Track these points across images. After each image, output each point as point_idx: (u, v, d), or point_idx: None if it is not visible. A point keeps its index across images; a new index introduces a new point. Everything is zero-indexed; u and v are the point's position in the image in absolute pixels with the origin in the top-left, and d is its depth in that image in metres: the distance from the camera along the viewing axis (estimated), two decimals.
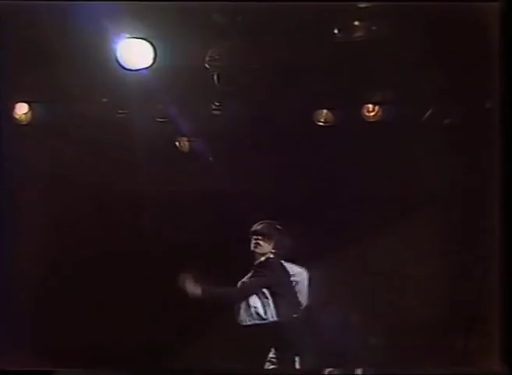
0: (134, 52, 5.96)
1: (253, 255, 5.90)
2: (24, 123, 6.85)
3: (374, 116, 6.90)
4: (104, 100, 6.73)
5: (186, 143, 7.39)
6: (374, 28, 5.91)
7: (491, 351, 5.25)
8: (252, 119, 6.79)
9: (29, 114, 6.85)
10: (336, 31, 5.93)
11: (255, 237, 5.88)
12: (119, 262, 7.04)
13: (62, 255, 7.01)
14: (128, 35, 5.91)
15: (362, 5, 5.72)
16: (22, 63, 5.93)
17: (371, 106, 6.87)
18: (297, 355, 5.60)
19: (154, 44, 5.93)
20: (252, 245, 5.87)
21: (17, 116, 6.83)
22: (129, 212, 7.20)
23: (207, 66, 6.28)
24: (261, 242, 5.85)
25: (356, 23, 5.93)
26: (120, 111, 6.84)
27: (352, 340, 5.70)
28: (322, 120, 7.04)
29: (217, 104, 6.81)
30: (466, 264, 6.83)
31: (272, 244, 5.87)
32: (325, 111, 7.01)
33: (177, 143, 7.38)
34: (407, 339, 6.58)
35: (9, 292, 6.07)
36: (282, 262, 5.85)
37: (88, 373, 5.94)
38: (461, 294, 6.80)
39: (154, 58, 5.97)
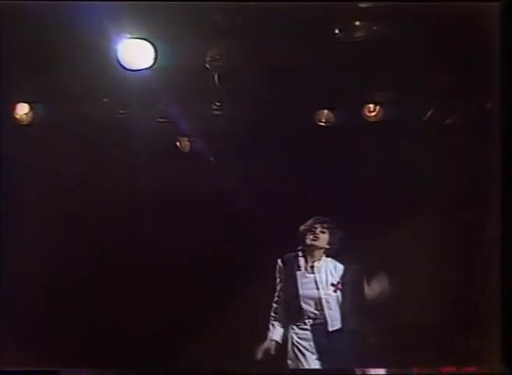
0: (135, 52, 5.96)
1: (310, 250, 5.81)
2: (25, 123, 6.86)
3: (375, 116, 6.90)
4: (105, 100, 6.74)
5: (187, 143, 7.40)
6: (375, 28, 5.90)
7: (491, 351, 5.24)
8: (253, 119, 6.79)
9: (29, 114, 6.86)
10: (336, 31, 5.93)
11: (314, 230, 5.77)
12: (119, 261, 7.05)
13: (62, 254, 7.02)
14: (129, 35, 5.91)
15: (363, 5, 5.72)
16: (22, 63, 5.94)
17: (372, 106, 6.87)
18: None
19: (155, 45, 5.93)
20: (310, 238, 5.76)
21: (18, 116, 6.83)
22: (130, 212, 7.20)
23: (207, 66, 6.28)
24: (318, 236, 5.78)
25: (357, 23, 5.92)
26: (121, 111, 6.84)
27: (352, 340, 5.68)
28: (323, 120, 7.04)
29: (217, 104, 6.81)
30: (466, 264, 6.83)
31: (327, 239, 5.82)
32: (325, 111, 7.01)
33: (178, 143, 7.39)
34: (407, 339, 6.58)
35: (10, 292, 6.07)
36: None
37: (89, 373, 5.94)
38: (462, 294, 6.80)
39: (155, 59, 5.96)
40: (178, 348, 6.83)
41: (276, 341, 5.70)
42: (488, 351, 5.50)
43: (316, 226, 5.78)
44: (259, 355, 5.65)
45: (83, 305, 6.98)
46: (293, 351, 5.67)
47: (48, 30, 5.70)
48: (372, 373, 5.71)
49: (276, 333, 5.72)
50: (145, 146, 7.06)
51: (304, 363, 5.62)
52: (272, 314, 5.78)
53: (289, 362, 5.67)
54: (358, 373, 5.67)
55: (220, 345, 6.77)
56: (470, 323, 6.69)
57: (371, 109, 6.88)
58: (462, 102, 6.62)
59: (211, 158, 7.25)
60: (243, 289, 6.74)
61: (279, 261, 5.84)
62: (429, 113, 6.81)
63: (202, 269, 7.11)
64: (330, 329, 5.60)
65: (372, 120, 6.90)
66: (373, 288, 5.60)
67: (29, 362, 5.71)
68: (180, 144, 7.40)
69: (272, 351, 5.67)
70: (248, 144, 7.08)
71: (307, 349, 5.64)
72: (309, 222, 5.82)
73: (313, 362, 5.62)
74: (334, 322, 5.62)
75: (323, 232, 5.77)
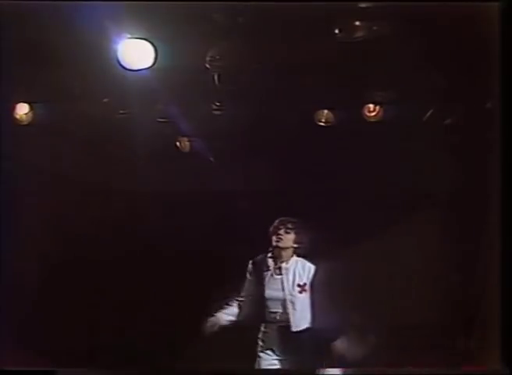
0: (135, 52, 5.96)
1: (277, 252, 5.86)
2: (25, 123, 6.86)
3: (375, 116, 6.90)
4: (105, 100, 6.73)
5: (187, 143, 7.40)
6: (374, 28, 5.90)
7: (491, 351, 5.25)
8: (252, 119, 6.79)
9: (29, 114, 6.85)
10: (336, 31, 5.93)
11: (278, 231, 5.84)
12: (119, 261, 7.05)
13: (62, 254, 7.02)
14: (129, 35, 5.91)
15: (363, 5, 5.72)
16: (22, 63, 5.93)
17: (371, 106, 6.86)
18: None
19: (155, 45, 5.93)
20: (274, 240, 5.82)
21: (18, 116, 6.83)
22: (129, 212, 7.20)
23: (207, 66, 6.28)
24: (282, 237, 5.82)
25: (356, 23, 5.92)
26: (121, 111, 6.84)
27: (352, 340, 5.70)
28: (323, 120, 7.04)
29: (217, 104, 6.81)
30: (466, 264, 6.83)
31: (293, 239, 5.84)
32: (325, 111, 7.01)
33: (178, 143, 7.39)
34: (407, 339, 6.58)
35: (9, 292, 6.07)
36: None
37: (88, 373, 5.94)
38: (462, 294, 6.80)
39: (155, 59, 5.96)
40: (178, 348, 6.83)
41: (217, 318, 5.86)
42: (488, 351, 5.51)
43: (280, 226, 5.86)
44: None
45: (83, 305, 6.98)
46: (259, 350, 5.74)
47: (48, 30, 5.70)
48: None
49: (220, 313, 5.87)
50: (145, 146, 7.05)
51: (264, 363, 5.68)
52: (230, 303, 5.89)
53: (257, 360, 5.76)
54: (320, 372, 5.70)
55: (220, 345, 6.76)
56: (470, 323, 6.69)
57: (371, 109, 6.88)
58: (462, 102, 6.62)
59: (211, 158, 7.26)
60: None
61: (250, 262, 5.89)
62: (429, 113, 6.81)
63: (202, 268, 7.11)
64: (294, 329, 5.65)
65: (372, 120, 6.89)
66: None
67: (29, 362, 5.71)
68: (180, 144, 7.40)
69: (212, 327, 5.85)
70: (248, 144, 7.08)
71: (268, 349, 5.69)
72: (274, 223, 5.87)
73: (272, 362, 5.68)
74: (298, 322, 5.68)
75: (287, 232, 5.84)
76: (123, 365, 6.16)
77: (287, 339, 5.67)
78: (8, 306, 5.97)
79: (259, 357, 5.74)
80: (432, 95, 6.55)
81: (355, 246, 6.58)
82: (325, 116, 7.02)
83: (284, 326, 5.70)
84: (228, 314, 5.87)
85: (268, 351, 5.72)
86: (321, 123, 7.03)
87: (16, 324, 6.20)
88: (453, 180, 6.76)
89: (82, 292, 6.95)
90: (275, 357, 5.71)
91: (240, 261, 6.91)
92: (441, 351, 6.50)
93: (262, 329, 5.78)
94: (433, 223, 6.86)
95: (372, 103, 6.83)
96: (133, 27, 5.85)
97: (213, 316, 5.85)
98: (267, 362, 5.70)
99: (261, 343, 5.76)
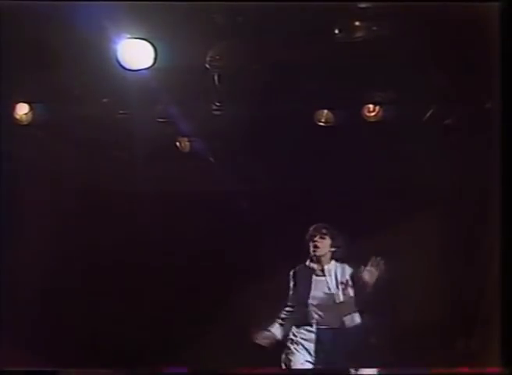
0: (135, 52, 5.96)
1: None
2: (25, 123, 6.86)
3: (374, 116, 6.90)
4: (105, 100, 6.73)
5: (187, 143, 7.40)
6: (374, 28, 5.91)
7: (491, 351, 5.25)
8: (252, 119, 6.79)
9: (29, 114, 6.85)
10: (336, 31, 5.93)
11: (314, 238, 5.89)
12: (118, 262, 7.05)
13: (62, 255, 7.02)
14: (128, 35, 5.91)
15: (362, 5, 5.72)
16: (22, 63, 5.93)
17: (371, 106, 6.86)
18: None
19: (155, 45, 5.93)
20: (312, 246, 5.88)
21: (17, 117, 6.83)
22: (129, 213, 7.20)
23: (207, 66, 6.29)
24: (318, 243, 5.87)
25: (356, 23, 5.93)
26: (120, 111, 6.83)
27: (352, 340, 5.72)
28: (323, 120, 7.04)
29: (217, 104, 6.81)
30: (467, 264, 6.83)
31: (329, 243, 5.89)
32: (325, 111, 7.01)
33: (178, 143, 7.39)
34: (407, 339, 6.58)
35: (9, 292, 6.07)
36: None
37: (88, 373, 5.94)
38: (462, 294, 6.80)
39: (155, 59, 5.96)
40: (178, 349, 6.83)
41: (272, 333, 5.82)
42: (488, 351, 5.51)
43: (315, 234, 5.91)
44: (257, 341, 5.83)
45: (83, 305, 6.98)
46: (293, 348, 5.75)
47: (48, 30, 5.70)
48: (364, 372, 5.75)
49: (275, 328, 5.85)
50: (145, 146, 7.06)
51: (299, 363, 5.71)
52: (281, 315, 5.87)
53: (287, 358, 5.76)
54: (352, 372, 5.73)
55: (220, 345, 6.77)
56: (470, 323, 6.69)
57: (371, 109, 6.87)
58: (462, 102, 6.62)
59: (211, 158, 7.26)
60: (243, 289, 6.75)
61: (292, 272, 5.93)
62: (429, 113, 6.81)
63: (202, 269, 7.11)
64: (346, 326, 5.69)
65: (372, 120, 6.89)
66: (370, 271, 5.68)
67: (29, 362, 5.71)
68: (180, 144, 7.40)
69: (267, 341, 5.80)
70: (248, 144, 7.08)
71: (306, 349, 5.72)
72: (309, 231, 5.92)
73: (306, 362, 5.71)
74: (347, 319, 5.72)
75: (323, 238, 5.88)
76: (123, 365, 6.16)
77: (327, 341, 5.71)
78: (8, 306, 5.97)
79: (292, 356, 5.77)
80: (432, 95, 6.56)
81: (354, 246, 6.58)
82: (325, 116, 7.02)
83: (325, 328, 5.75)
84: (281, 326, 5.90)
85: (304, 351, 5.76)
86: (321, 123, 7.03)
87: (16, 324, 6.20)
88: (453, 180, 6.77)
89: (82, 292, 6.96)
90: (310, 357, 5.76)
91: (240, 260, 6.94)
92: (441, 351, 6.51)
93: (299, 329, 5.80)
94: (433, 223, 6.87)
95: (372, 103, 6.83)
96: (133, 27, 5.86)
97: (268, 330, 5.85)
98: (300, 362, 5.74)
99: (294, 344, 5.79)
